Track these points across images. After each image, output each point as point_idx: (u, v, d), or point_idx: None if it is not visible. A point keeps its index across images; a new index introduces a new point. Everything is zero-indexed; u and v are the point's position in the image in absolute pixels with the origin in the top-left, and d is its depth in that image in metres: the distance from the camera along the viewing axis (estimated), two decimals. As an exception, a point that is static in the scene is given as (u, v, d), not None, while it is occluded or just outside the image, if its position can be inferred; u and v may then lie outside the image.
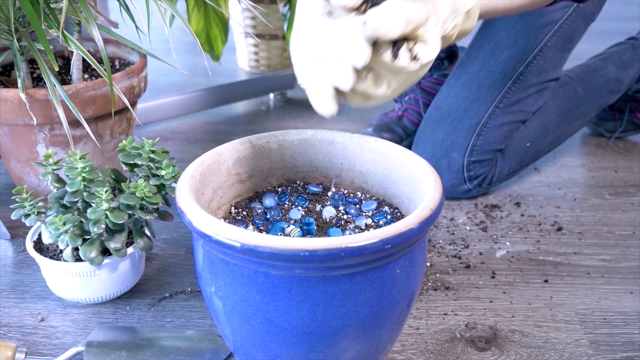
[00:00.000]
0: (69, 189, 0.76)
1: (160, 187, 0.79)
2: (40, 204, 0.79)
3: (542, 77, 1.10)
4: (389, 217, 0.70)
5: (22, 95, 0.87)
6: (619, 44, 1.28)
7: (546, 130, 1.15)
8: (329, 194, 0.75)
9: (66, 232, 0.75)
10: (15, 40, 0.89)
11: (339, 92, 0.58)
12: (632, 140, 1.33)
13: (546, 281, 0.89)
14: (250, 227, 0.69)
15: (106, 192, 0.74)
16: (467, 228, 1.01)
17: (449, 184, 1.08)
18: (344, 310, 0.58)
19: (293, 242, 0.54)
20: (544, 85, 1.10)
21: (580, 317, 0.82)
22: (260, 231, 0.68)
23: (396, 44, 0.55)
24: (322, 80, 0.57)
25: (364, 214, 0.71)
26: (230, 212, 0.72)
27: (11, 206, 0.79)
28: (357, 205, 0.73)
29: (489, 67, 1.08)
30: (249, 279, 0.57)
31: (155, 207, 0.78)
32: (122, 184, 0.78)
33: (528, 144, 1.13)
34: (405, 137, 1.26)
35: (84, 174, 0.76)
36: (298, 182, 0.77)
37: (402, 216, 0.70)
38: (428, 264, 0.92)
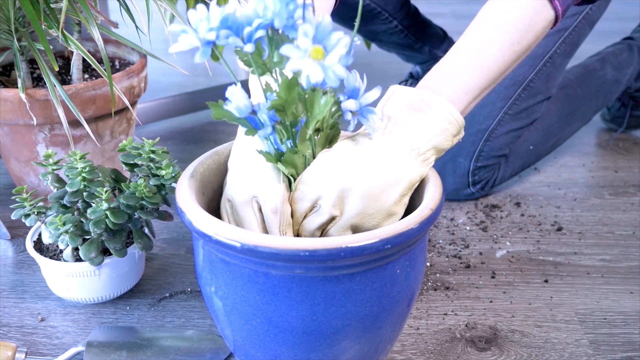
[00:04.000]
0: (69, 189, 0.76)
1: (160, 187, 0.79)
2: (40, 204, 0.79)
3: (549, 84, 1.10)
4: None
5: (22, 95, 0.87)
6: (615, 44, 1.28)
7: (549, 133, 1.15)
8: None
9: (66, 232, 0.75)
10: (15, 40, 0.89)
11: None
12: (632, 140, 1.33)
13: (546, 281, 0.89)
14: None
15: (106, 192, 0.74)
16: (467, 228, 1.01)
17: (453, 188, 1.08)
18: (344, 310, 0.58)
19: (293, 242, 0.54)
20: (550, 91, 1.11)
21: (580, 317, 0.82)
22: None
23: None
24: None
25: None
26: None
27: (11, 206, 0.78)
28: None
29: None
30: (249, 279, 0.57)
31: (155, 207, 0.78)
32: (122, 184, 0.78)
33: (531, 147, 1.13)
34: None
35: (84, 174, 0.76)
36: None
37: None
38: (428, 264, 0.92)
